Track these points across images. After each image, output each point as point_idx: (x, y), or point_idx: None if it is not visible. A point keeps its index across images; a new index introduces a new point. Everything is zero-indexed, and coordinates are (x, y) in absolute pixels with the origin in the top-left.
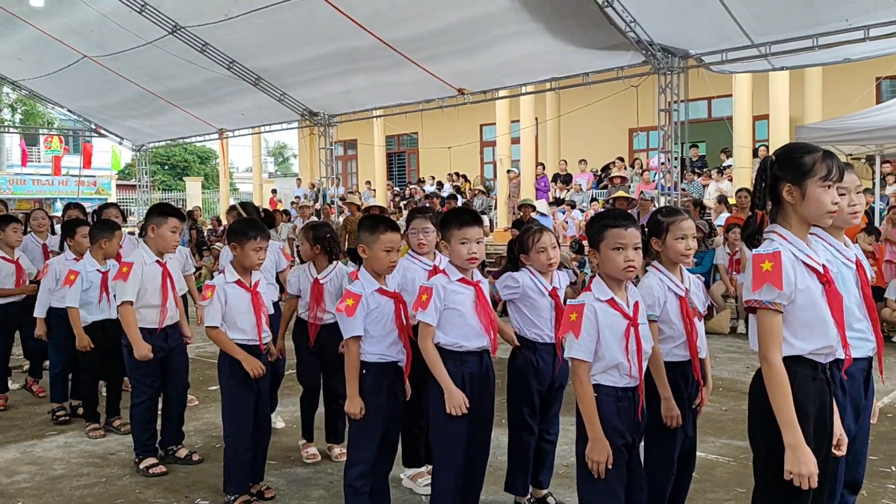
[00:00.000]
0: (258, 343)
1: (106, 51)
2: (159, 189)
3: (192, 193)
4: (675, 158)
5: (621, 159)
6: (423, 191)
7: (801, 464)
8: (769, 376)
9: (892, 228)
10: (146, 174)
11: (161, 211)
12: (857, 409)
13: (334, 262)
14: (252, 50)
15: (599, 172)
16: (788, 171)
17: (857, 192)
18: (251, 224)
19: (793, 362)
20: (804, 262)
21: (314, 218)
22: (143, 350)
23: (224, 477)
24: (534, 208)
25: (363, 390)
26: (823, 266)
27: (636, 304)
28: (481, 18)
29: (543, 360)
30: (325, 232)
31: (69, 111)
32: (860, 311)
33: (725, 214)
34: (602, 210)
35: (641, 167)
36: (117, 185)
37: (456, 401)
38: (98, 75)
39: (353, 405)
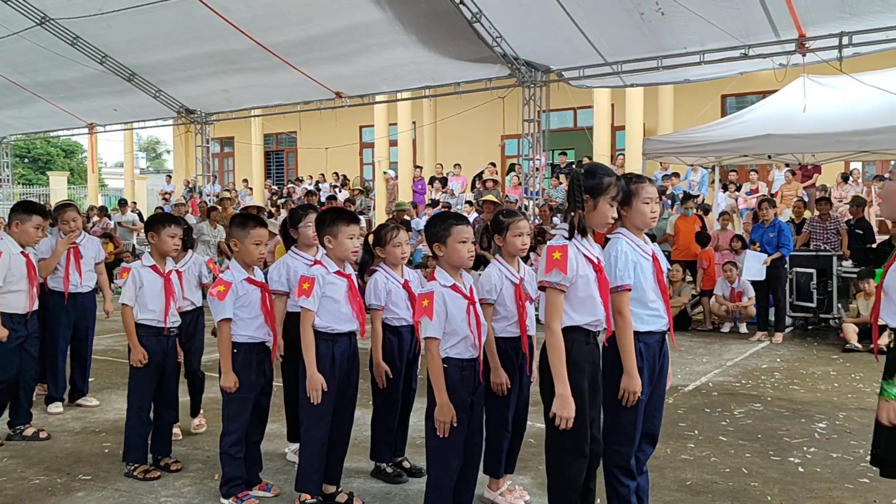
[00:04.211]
0: (163, 325)
1: None
2: (19, 183)
3: (57, 189)
4: (549, 164)
5: (493, 164)
6: (305, 189)
7: (564, 408)
8: (550, 341)
9: (722, 233)
10: (7, 167)
11: (160, 220)
12: (652, 372)
13: (190, 253)
14: (126, 45)
15: (474, 177)
16: (589, 185)
17: (657, 202)
18: (166, 215)
19: (572, 331)
20: (584, 255)
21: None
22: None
23: (124, 447)
24: (406, 212)
25: (235, 367)
26: (598, 259)
27: (471, 288)
28: (357, 27)
29: (405, 339)
30: (182, 225)
31: None
32: (655, 293)
33: None
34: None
35: (516, 173)
36: None
37: (314, 384)
38: None
39: (228, 380)
